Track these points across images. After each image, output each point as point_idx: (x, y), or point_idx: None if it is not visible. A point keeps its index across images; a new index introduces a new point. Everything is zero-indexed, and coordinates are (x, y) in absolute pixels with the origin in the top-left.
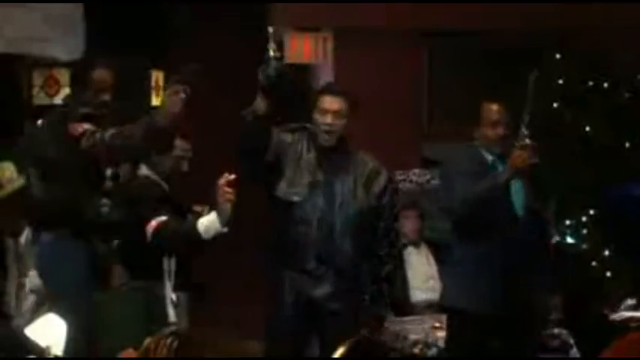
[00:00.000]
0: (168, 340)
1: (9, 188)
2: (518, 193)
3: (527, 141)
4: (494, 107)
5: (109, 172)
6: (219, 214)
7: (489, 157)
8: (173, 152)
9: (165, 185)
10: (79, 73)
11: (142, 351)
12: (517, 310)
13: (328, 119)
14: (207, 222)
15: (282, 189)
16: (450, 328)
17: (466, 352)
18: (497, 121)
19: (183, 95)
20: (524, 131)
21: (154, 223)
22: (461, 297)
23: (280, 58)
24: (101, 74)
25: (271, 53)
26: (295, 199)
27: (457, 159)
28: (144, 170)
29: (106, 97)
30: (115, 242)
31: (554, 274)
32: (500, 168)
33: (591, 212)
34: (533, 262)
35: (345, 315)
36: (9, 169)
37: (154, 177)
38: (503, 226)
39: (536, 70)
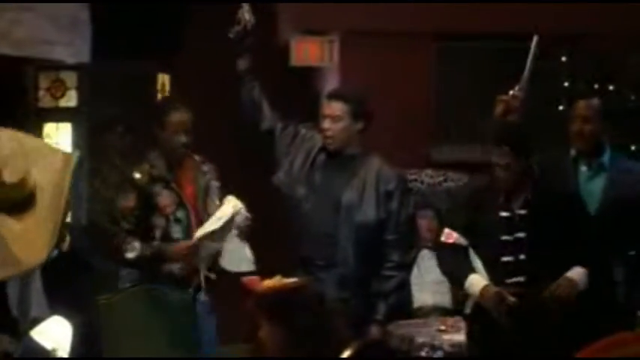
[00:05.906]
0: None
1: None
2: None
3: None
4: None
5: None
6: None
7: None
8: None
9: None
10: (157, 115)
11: None
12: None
13: (325, 124)
14: None
15: (280, 178)
16: None
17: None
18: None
19: None
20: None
21: None
22: None
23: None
24: (179, 117)
25: (246, 16)
26: (286, 191)
27: None
28: None
29: (184, 138)
30: None
31: None
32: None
33: None
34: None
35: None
36: None
37: None
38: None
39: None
